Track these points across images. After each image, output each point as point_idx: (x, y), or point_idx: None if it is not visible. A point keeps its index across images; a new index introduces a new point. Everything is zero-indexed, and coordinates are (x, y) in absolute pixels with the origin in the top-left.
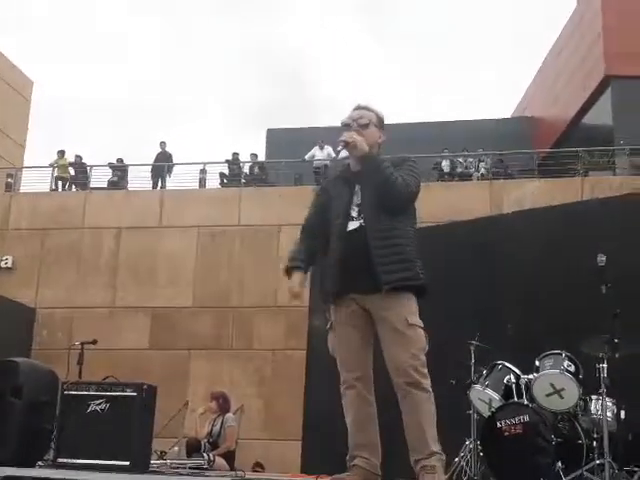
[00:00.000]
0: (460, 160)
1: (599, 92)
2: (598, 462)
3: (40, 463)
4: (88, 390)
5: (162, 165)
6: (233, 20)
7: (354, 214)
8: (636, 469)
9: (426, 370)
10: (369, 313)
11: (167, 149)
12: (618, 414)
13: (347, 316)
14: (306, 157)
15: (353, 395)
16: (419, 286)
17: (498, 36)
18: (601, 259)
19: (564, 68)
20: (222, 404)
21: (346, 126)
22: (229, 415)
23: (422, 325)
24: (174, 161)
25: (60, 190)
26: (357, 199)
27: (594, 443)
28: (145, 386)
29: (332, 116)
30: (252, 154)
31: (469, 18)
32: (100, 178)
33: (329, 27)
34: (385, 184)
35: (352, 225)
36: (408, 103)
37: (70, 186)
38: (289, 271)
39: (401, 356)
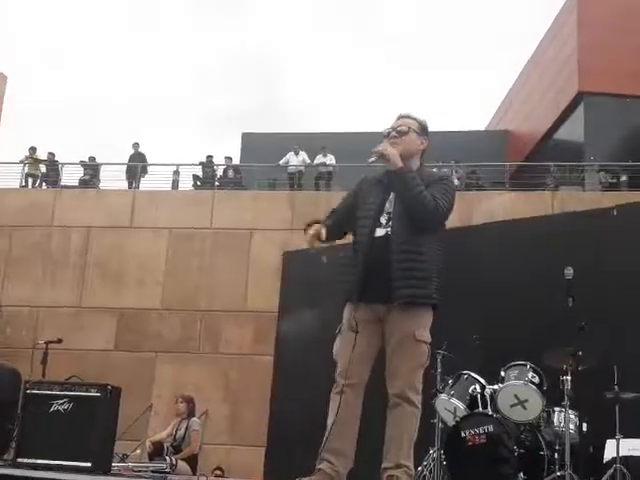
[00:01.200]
0: (434, 170)
1: (571, 108)
2: (559, 474)
3: None
4: (51, 390)
5: (136, 165)
6: (204, 24)
7: (383, 221)
8: None
9: (420, 386)
10: (381, 322)
11: (140, 150)
12: (580, 426)
13: (358, 323)
14: (281, 162)
15: (340, 401)
16: (431, 305)
17: (475, 48)
18: (568, 272)
19: (538, 83)
20: (191, 408)
21: (387, 135)
22: (194, 419)
23: (428, 340)
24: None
25: (30, 187)
26: (389, 207)
27: (555, 455)
28: (109, 387)
29: (306, 122)
30: (227, 157)
31: (444, 29)
32: (71, 176)
33: (305, 34)
34: (413, 202)
35: (379, 232)
36: (378, 112)
37: (41, 183)
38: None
39: (399, 369)
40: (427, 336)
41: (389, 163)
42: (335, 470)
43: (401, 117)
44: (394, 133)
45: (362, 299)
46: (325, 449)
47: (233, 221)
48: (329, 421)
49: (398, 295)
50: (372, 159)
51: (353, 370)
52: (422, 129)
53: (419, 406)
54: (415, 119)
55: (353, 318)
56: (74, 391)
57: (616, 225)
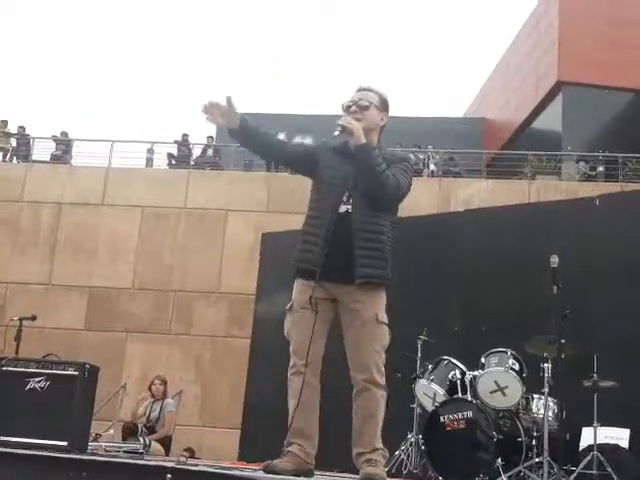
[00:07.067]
0: (412, 156)
1: (550, 97)
2: (537, 460)
3: None
4: (27, 367)
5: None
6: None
7: (344, 198)
8: (573, 468)
9: (383, 368)
10: (336, 302)
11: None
12: (559, 414)
13: (312, 301)
14: None
15: (300, 382)
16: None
17: (455, 35)
18: (554, 260)
19: (518, 71)
20: (166, 389)
21: (347, 108)
22: (169, 400)
23: (387, 322)
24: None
25: (0, 161)
26: (349, 182)
27: (533, 441)
28: (87, 366)
29: (287, 104)
30: (209, 137)
31: (425, 16)
32: (43, 151)
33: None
34: (375, 180)
35: (341, 208)
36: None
37: (11, 157)
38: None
39: (365, 353)
40: (386, 318)
41: (352, 138)
42: (304, 452)
43: (362, 89)
44: (355, 108)
45: (320, 277)
46: (292, 432)
47: (208, 201)
48: (291, 404)
49: (360, 274)
50: (336, 133)
51: (310, 350)
52: (383, 104)
53: (386, 387)
54: (377, 93)
55: (313, 296)
56: (51, 369)
57: (598, 214)
